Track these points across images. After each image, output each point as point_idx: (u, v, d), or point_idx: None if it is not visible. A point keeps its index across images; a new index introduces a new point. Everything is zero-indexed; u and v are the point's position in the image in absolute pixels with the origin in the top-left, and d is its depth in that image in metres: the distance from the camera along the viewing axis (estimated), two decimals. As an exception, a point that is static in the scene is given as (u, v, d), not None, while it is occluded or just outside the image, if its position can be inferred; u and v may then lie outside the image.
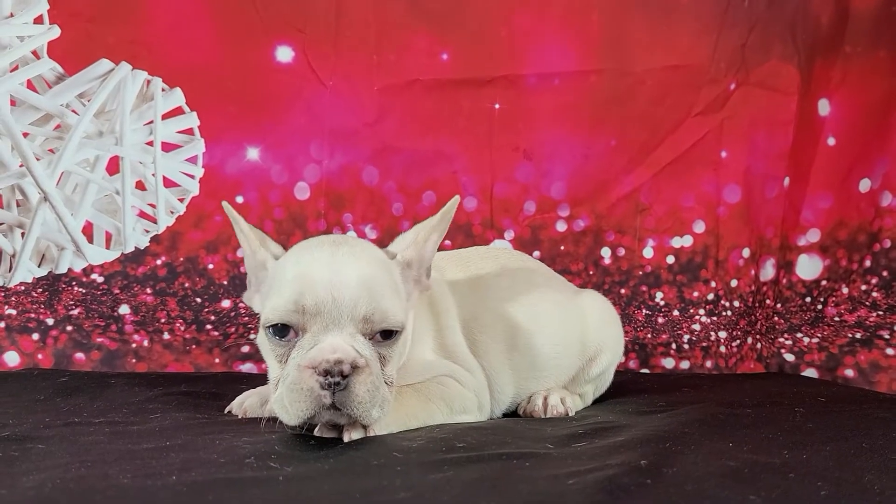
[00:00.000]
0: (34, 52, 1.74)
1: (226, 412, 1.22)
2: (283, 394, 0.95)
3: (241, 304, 1.84)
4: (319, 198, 1.89)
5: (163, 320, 1.82)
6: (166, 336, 1.83)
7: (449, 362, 1.20)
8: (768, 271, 2.09)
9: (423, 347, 1.18)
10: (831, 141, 2.02)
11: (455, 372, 1.19)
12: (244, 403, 1.22)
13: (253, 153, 1.87)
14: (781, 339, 2.05)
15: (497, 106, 1.96)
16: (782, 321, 2.06)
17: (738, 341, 2.07)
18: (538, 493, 0.73)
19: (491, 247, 1.53)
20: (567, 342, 1.32)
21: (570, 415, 1.25)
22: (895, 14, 1.97)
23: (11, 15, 1.73)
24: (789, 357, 2.03)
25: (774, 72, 2.05)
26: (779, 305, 2.07)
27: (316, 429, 0.98)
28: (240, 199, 1.86)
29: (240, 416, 1.20)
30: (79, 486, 0.74)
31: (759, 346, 2.08)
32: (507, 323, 1.27)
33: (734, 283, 2.07)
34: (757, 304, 2.09)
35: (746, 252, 2.08)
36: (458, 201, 1.14)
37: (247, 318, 1.85)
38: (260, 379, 1.44)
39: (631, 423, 1.13)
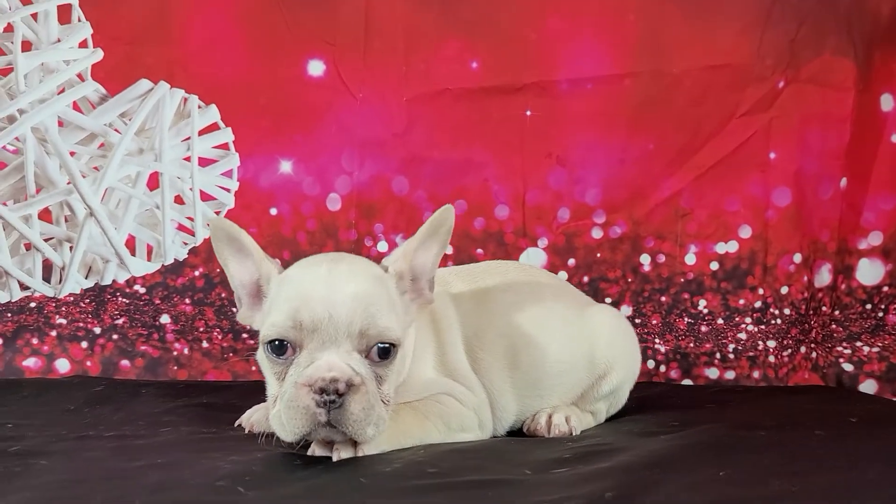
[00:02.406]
0: (79, 75, 1.83)
1: (236, 425, 1.26)
2: (281, 411, 0.97)
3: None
4: (350, 208, 1.92)
5: (201, 329, 1.89)
6: (205, 344, 1.89)
7: (449, 380, 1.19)
8: (824, 277, 1.99)
9: (423, 365, 1.18)
10: (895, 138, 1.91)
11: (454, 390, 1.18)
12: (251, 418, 1.25)
13: (286, 166, 1.92)
14: (840, 349, 1.95)
15: (528, 113, 1.94)
16: (841, 329, 1.96)
17: (790, 350, 1.99)
18: (480, 527, 0.72)
19: (501, 262, 1.52)
20: (573, 360, 1.29)
21: (575, 433, 1.23)
22: (964, 2, 1.85)
23: (59, 40, 1.82)
24: (848, 367, 1.93)
25: (828, 67, 1.96)
26: (837, 313, 1.97)
27: (310, 448, 1.00)
28: (273, 211, 1.91)
29: (246, 431, 1.23)
30: (46, 508, 0.78)
31: (814, 355, 1.98)
32: (509, 340, 1.25)
33: (785, 289, 1.99)
34: (811, 312, 2.00)
35: (798, 257, 1.99)
36: (450, 209, 1.13)
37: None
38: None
39: (629, 445, 1.09)
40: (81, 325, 1.87)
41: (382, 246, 1.93)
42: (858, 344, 1.93)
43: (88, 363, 1.86)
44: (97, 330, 1.87)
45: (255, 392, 1.56)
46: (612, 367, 1.31)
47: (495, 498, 0.82)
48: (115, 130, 1.83)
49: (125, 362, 1.87)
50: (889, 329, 1.92)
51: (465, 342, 1.23)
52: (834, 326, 1.97)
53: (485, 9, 1.92)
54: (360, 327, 0.99)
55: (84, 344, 1.87)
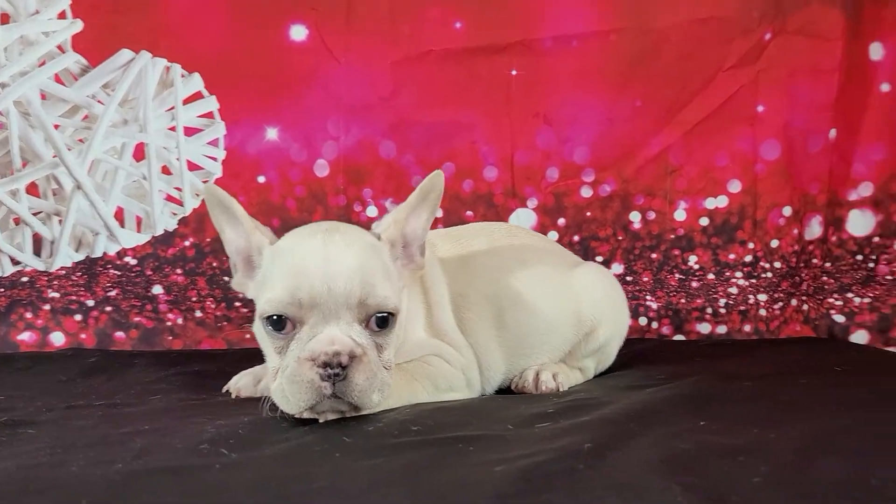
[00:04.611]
0: (59, 47, 1.81)
1: (223, 391, 1.27)
2: (284, 385, 0.98)
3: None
4: (338, 174, 1.91)
5: (194, 299, 1.90)
6: (199, 314, 1.90)
7: (437, 341, 1.20)
8: (814, 229, 2.00)
9: (415, 326, 1.19)
10: (885, 87, 1.90)
11: (442, 350, 1.19)
12: (238, 384, 1.26)
13: (272, 133, 1.91)
14: (831, 300, 1.96)
15: (514, 72, 1.93)
16: (832, 281, 1.97)
17: (781, 303, 2.00)
18: (454, 482, 0.73)
19: (488, 223, 1.52)
20: (559, 318, 1.30)
21: (562, 390, 1.24)
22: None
23: (37, 12, 1.80)
24: (839, 318, 1.94)
25: (815, 17, 1.94)
26: (828, 264, 1.98)
27: (320, 417, 1.00)
28: (261, 179, 1.90)
29: (233, 396, 1.24)
30: (28, 474, 0.78)
31: (805, 307, 2.00)
32: (495, 300, 1.26)
33: (775, 243, 2.00)
34: (802, 264, 2.00)
35: (788, 210, 1.99)
36: (439, 174, 1.14)
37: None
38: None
39: (613, 399, 1.10)
40: (74, 298, 1.87)
41: (372, 211, 1.93)
42: (849, 295, 1.94)
43: (83, 336, 1.87)
44: (90, 302, 1.88)
45: (247, 360, 1.57)
46: (598, 324, 1.32)
47: (476, 452, 0.83)
48: (99, 102, 1.82)
49: (120, 334, 1.88)
50: (880, 279, 1.92)
51: (453, 303, 1.24)
52: (825, 278, 1.98)
53: (467, -32, 1.90)
54: (359, 298, 0.99)
55: (78, 317, 1.87)
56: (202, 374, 1.42)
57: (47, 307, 1.87)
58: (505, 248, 1.33)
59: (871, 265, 1.93)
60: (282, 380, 0.99)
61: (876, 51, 1.90)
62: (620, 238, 1.99)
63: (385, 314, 1.02)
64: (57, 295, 1.87)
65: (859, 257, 1.94)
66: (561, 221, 1.97)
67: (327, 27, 1.89)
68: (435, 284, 1.24)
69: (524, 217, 1.96)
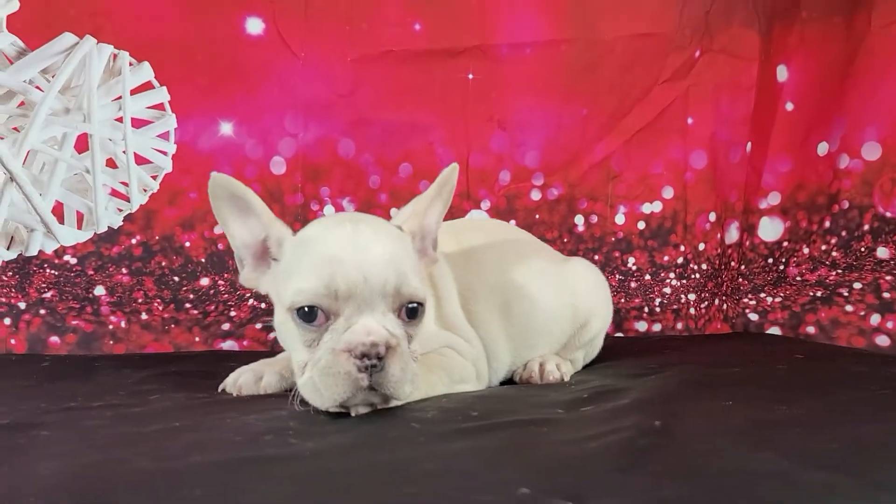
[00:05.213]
0: (-7, 27, 1.67)
1: (219, 391, 1.21)
2: (315, 378, 0.95)
3: (220, 283, 1.82)
4: (296, 172, 1.87)
5: (140, 300, 1.79)
6: (144, 316, 1.79)
7: (448, 333, 1.21)
8: (732, 234, 2.15)
9: (427, 319, 1.19)
10: (790, 106, 2.08)
11: (454, 342, 1.20)
12: (238, 381, 1.20)
13: (226, 128, 1.84)
14: (746, 300, 2.12)
15: (470, 76, 1.96)
16: (746, 282, 2.13)
17: (707, 303, 2.14)
18: (561, 456, 0.75)
19: (478, 218, 1.55)
20: (559, 309, 1.34)
21: (566, 380, 1.28)
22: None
23: (-34, -13, 1.65)
24: (753, 316, 2.10)
25: (736, 38, 2.10)
26: (743, 267, 2.14)
27: (352, 410, 0.97)
28: (214, 175, 1.82)
29: (234, 395, 1.19)
30: (98, 471, 0.73)
31: (725, 306, 2.14)
32: (501, 293, 1.28)
33: (701, 246, 2.13)
34: (723, 267, 2.15)
35: (713, 216, 2.14)
36: (456, 168, 1.15)
37: (226, 296, 1.83)
38: (243, 357, 1.43)
39: (628, 385, 1.15)
40: (4, 300, 1.72)
41: (329, 210, 1.90)
42: (762, 295, 2.11)
43: (13, 341, 1.72)
44: (22, 305, 1.73)
45: (215, 361, 1.52)
46: (592, 316, 1.37)
47: (554, 433, 0.85)
48: (38, 88, 1.69)
49: (55, 338, 1.74)
50: (790, 280, 2.10)
51: (460, 297, 1.25)
52: (741, 280, 2.14)
53: (425, -30, 1.92)
54: (395, 288, 0.98)
55: (7, 321, 1.72)
56: (184, 374, 1.35)
57: (-28, 310, 1.70)
58: (502, 242, 1.35)
59: (782, 267, 2.10)
60: (313, 373, 0.96)
61: (782, 73, 2.08)
62: (566, 240, 2.07)
63: (416, 304, 1.02)
64: (-17, 297, 1.71)
65: (770, 260, 2.11)
66: (512, 223, 2.02)
67: (284, 21, 1.85)
68: (443, 278, 1.24)
69: (478, 218, 1.99)
